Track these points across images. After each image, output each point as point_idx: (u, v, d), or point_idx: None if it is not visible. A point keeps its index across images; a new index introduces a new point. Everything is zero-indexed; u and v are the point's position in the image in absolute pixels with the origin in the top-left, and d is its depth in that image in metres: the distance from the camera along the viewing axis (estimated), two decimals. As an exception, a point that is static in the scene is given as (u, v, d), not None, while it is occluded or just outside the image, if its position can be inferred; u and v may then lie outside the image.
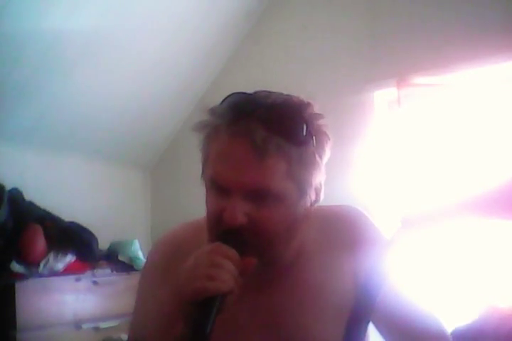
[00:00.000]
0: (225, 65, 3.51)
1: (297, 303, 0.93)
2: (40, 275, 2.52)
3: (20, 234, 2.51)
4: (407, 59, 2.82)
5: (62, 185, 3.12)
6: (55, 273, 2.59)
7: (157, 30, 3.03)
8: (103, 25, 2.79)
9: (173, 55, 3.23)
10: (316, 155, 0.85)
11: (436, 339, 0.90)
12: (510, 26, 2.52)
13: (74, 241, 2.71)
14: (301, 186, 0.85)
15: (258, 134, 0.80)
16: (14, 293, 2.36)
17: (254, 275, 0.84)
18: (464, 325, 1.92)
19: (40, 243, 2.55)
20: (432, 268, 2.58)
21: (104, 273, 2.87)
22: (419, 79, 2.78)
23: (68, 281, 2.64)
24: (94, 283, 2.76)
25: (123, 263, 3.02)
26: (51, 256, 2.58)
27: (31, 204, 2.70)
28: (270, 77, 3.14)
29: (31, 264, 2.49)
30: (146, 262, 1.05)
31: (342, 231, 0.97)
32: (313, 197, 0.88)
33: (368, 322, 0.62)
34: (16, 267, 2.43)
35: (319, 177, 0.88)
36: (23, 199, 2.67)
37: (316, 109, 0.87)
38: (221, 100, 0.88)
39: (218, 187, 0.84)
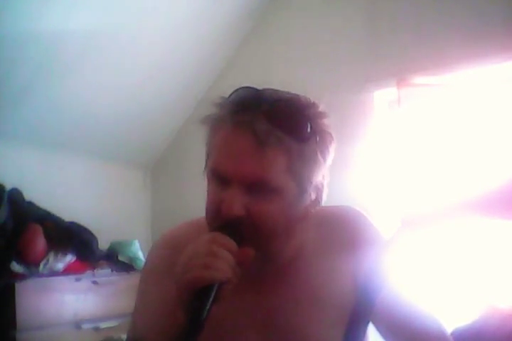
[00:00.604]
0: (226, 65, 3.51)
1: (295, 303, 0.93)
2: (40, 275, 2.52)
3: (20, 234, 2.51)
4: (407, 59, 2.82)
5: (62, 185, 3.11)
6: (55, 273, 2.59)
7: (158, 30, 3.03)
8: (103, 26, 2.79)
9: (173, 55, 3.23)
10: (318, 154, 0.85)
11: (436, 340, 0.90)
12: (511, 26, 2.52)
13: (74, 241, 2.71)
14: (301, 183, 0.85)
15: (260, 126, 0.80)
16: (14, 293, 2.36)
17: (252, 274, 0.84)
18: (464, 325, 1.92)
19: (40, 243, 2.55)
20: (432, 269, 2.58)
21: (104, 273, 2.86)
22: (419, 79, 2.78)
23: (68, 281, 2.64)
24: (94, 283, 2.75)
25: (123, 263, 3.01)
26: (51, 256, 2.58)
27: (31, 204, 2.70)
28: (271, 76, 3.12)
29: (31, 264, 2.49)
30: (146, 262, 1.05)
31: (341, 232, 0.97)
32: (313, 197, 0.88)
33: (367, 323, 0.62)
34: (16, 267, 2.43)
35: (320, 176, 0.87)
36: (23, 199, 2.67)
37: (322, 109, 0.87)
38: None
39: (218, 177, 0.85)
